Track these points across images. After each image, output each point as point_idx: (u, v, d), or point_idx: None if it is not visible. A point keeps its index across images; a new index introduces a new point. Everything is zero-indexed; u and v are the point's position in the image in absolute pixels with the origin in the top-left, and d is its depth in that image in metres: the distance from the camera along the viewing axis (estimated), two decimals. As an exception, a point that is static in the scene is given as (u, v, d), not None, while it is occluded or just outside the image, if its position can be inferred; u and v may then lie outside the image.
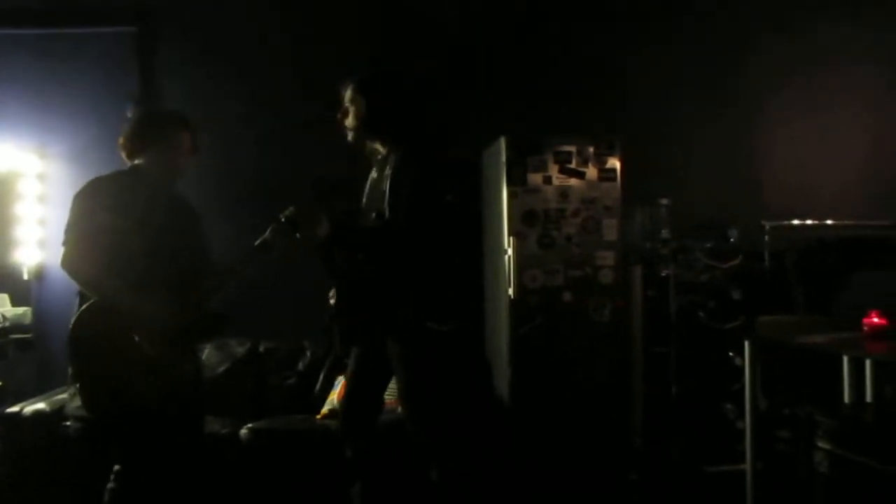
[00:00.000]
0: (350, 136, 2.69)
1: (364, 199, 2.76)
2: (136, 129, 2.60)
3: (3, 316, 3.97)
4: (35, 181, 4.17)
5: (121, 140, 2.60)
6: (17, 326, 4.01)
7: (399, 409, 2.73)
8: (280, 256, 2.60)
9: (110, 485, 2.47)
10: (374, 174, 2.73)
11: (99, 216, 2.39)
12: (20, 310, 4.11)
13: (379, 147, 2.70)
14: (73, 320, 2.39)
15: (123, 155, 2.61)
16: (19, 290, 4.16)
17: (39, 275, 4.15)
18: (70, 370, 2.43)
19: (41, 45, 4.19)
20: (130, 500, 2.45)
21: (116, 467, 2.47)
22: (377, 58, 3.99)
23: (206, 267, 2.62)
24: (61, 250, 2.41)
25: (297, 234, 2.52)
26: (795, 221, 4.03)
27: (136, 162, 2.59)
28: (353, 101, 2.65)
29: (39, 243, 4.16)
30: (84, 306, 2.40)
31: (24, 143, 4.15)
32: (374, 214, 2.63)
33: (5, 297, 4.14)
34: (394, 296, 2.58)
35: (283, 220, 2.55)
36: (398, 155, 2.60)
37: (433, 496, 2.63)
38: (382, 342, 2.63)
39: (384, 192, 2.56)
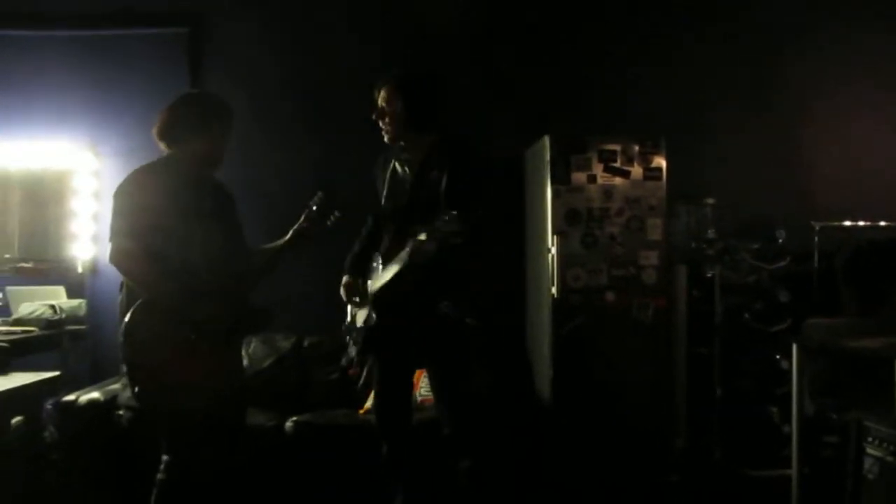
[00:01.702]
0: (387, 135, 2.69)
1: (385, 194, 2.75)
2: (181, 117, 2.52)
3: (59, 308, 4.09)
4: (90, 178, 4.32)
5: (160, 127, 2.53)
6: (72, 318, 4.13)
7: (434, 405, 2.76)
8: (311, 242, 2.66)
9: (160, 475, 2.51)
10: (398, 170, 2.72)
11: (141, 209, 2.39)
12: (75, 302, 4.23)
13: (410, 144, 2.69)
14: (124, 323, 2.43)
15: (162, 145, 2.55)
16: (74, 283, 4.30)
17: (93, 268, 4.29)
18: (124, 368, 2.50)
19: (96, 47, 4.31)
20: (179, 490, 2.49)
21: (165, 458, 2.51)
22: (422, 57, 4.01)
23: (246, 254, 2.65)
24: (109, 246, 2.43)
25: (327, 222, 2.60)
26: (846, 222, 3.94)
27: (175, 150, 2.53)
28: (389, 100, 2.65)
29: (94, 238, 4.29)
30: (134, 307, 2.44)
31: (80, 141, 4.29)
32: (403, 202, 2.65)
33: (61, 290, 4.27)
34: (437, 290, 2.59)
35: (313, 207, 2.61)
36: (452, 152, 2.61)
37: (462, 486, 2.64)
38: (408, 342, 2.65)
39: (437, 190, 2.55)
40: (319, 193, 2.62)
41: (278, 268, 2.70)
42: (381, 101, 2.67)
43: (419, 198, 2.61)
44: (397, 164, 2.74)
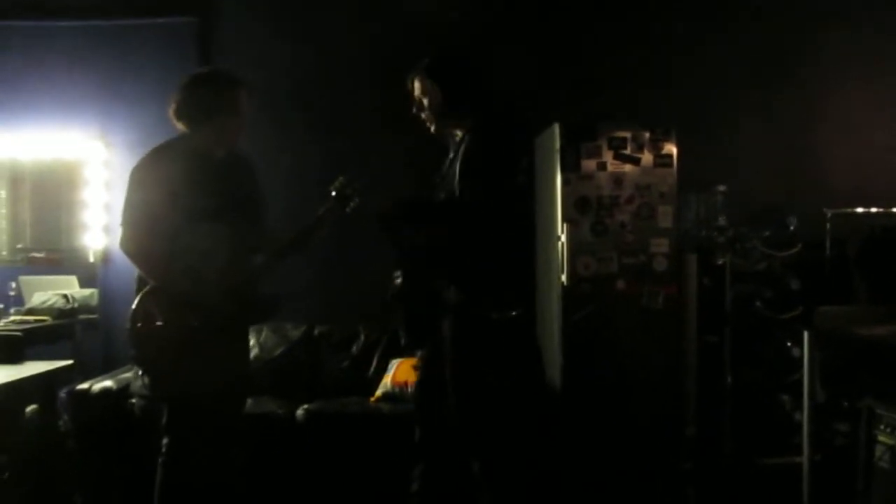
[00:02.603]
0: (432, 126, 2.63)
1: (438, 181, 2.70)
2: (196, 96, 2.51)
3: (72, 297, 4.13)
4: (101, 168, 4.33)
5: (176, 107, 2.52)
6: (84, 307, 4.17)
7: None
8: (327, 230, 2.64)
9: (161, 458, 2.55)
10: (451, 155, 2.67)
11: (151, 199, 2.41)
12: (87, 291, 4.27)
13: (457, 130, 2.62)
14: (131, 310, 2.46)
15: (180, 125, 2.54)
16: (86, 273, 4.34)
17: (105, 258, 4.31)
18: (132, 354, 2.53)
19: (106, 36, 4.31)
20: (180, 473, 2.53)
21: (165, 440, 2.55)
22: (431, 48, 3.99)
23: (258, 240, 2.65)
24: (119, 231, 2.47)
25: (346, 209, 2.57)
26: (859, 209, 3.91)
27: (192, 130, 2.53)
28: (423, 90, 2.58)
29: (105, 228, 4.31)
30: (142, 293, 2.46)
31: (90, 131, 4.31)
32: (442, 194, 2.58)
33: (73, 280, 4.31)
34: (449, 277, 2.54)
35: (332, 193, 2.58)
36: (470, 134, 2.53)
37: (476, 487, 2.61)
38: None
39: (455, 172, 2.51)
40: (340, 178, 2.60)
41: (291, 257, 2.69)
42: (416, 93, 2.60)
43: (451, 183, 2.55)
44: (451, 153, 2.68)
